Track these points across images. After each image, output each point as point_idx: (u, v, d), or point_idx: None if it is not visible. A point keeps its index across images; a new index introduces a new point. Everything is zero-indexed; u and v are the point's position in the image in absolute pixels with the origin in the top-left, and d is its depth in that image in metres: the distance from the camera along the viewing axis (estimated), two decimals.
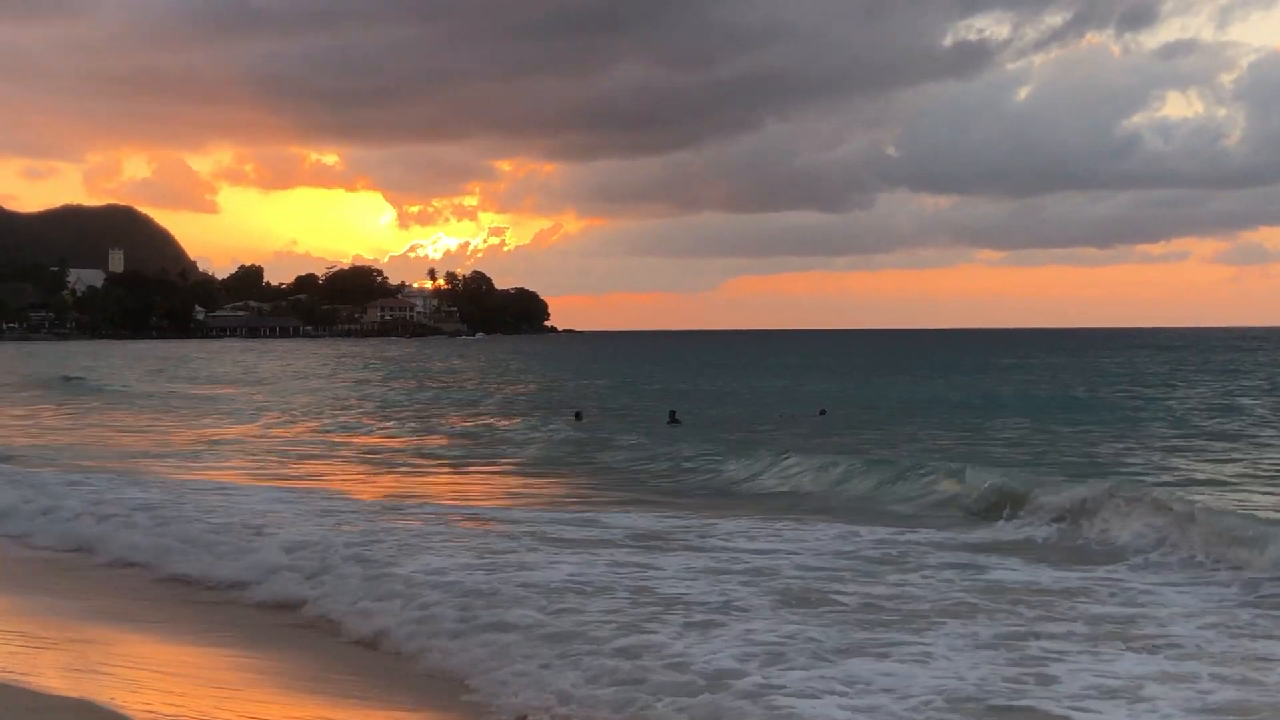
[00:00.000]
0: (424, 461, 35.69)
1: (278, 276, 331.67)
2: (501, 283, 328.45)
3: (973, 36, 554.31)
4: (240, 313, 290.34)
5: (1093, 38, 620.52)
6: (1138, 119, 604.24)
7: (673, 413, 47.08)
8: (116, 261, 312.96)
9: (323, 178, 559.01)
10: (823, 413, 50.52)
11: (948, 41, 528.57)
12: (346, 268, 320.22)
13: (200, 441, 41.07)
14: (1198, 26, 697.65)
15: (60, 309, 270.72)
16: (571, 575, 16.52)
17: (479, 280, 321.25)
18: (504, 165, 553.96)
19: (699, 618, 14.02)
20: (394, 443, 41.76)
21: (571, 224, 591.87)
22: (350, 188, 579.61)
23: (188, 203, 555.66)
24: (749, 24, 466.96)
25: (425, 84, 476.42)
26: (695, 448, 35.50)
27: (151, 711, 10.48)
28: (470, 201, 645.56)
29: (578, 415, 48.02)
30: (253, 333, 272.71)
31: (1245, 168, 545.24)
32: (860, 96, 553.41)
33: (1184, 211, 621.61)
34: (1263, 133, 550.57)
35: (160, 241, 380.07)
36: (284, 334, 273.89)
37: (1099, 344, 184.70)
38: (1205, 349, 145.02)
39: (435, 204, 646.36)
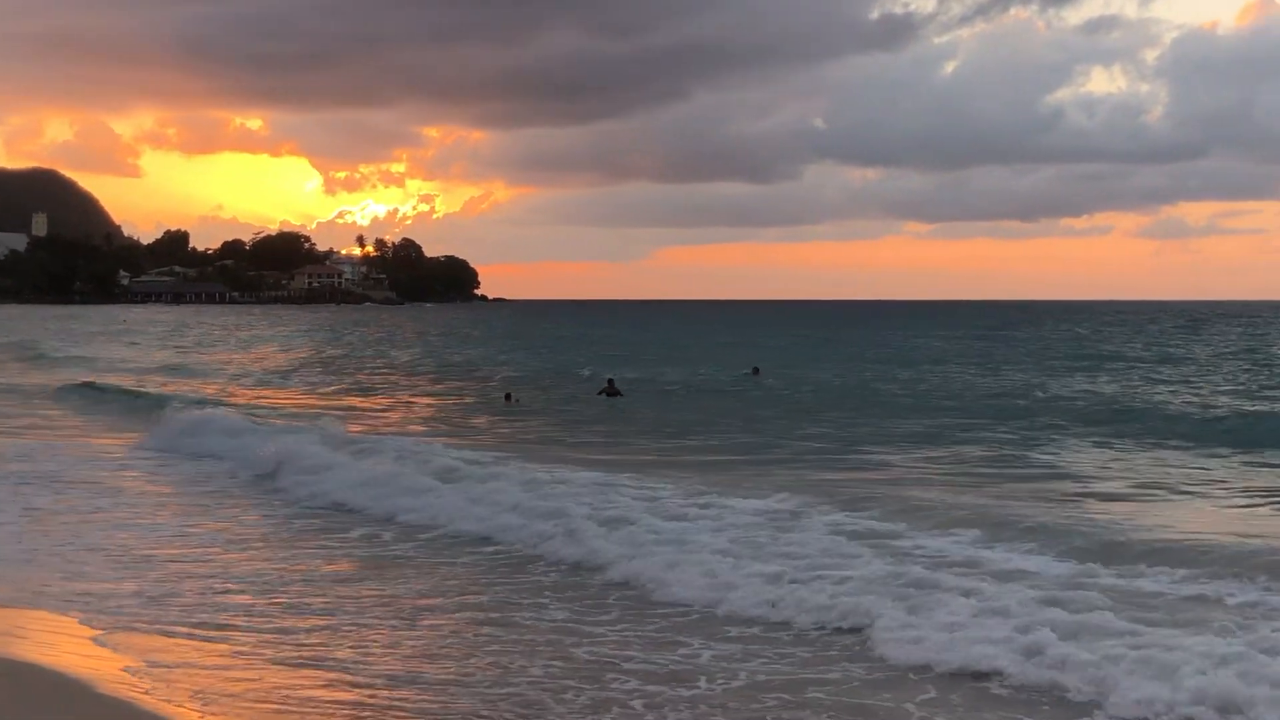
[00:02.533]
0: None
1: (203, 242, 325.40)
2: (431, 250, 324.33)
3: (899, 10, 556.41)
4: (166, 278, 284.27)
5: (1018, 12, 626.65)
6: (1062, 94, 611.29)
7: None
8: (39, 225, 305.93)
9: (247, 142, 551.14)
10: (756, 371, 52.33)
11: (874, 15, 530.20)
12: (273, 233, 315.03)
13: None
14: (1121, 3, 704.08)
15: None
16: None
17: (408, 248, 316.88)
18: (432, 132, 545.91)
19: None
20: None
21: (501, 192, 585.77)
22: (275, 153, 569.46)
23: (111, 166, 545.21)
24: None
25: (351, 48, 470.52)
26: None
27: None
28: (398, 168, 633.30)
29: (508, 397, 44.02)
30: (178, 298, 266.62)
31: (1167, 143, 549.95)
32: (788, 68, 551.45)
33: (1107, 186, 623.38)
34: (1185, 109, 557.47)
35: (84, 205, 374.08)
36: (210, 300, 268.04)
37: (1015, 316, 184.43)
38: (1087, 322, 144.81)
39: (362, 170, 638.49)
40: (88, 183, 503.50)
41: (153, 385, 48.30)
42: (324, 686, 10.86)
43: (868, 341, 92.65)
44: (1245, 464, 25.95)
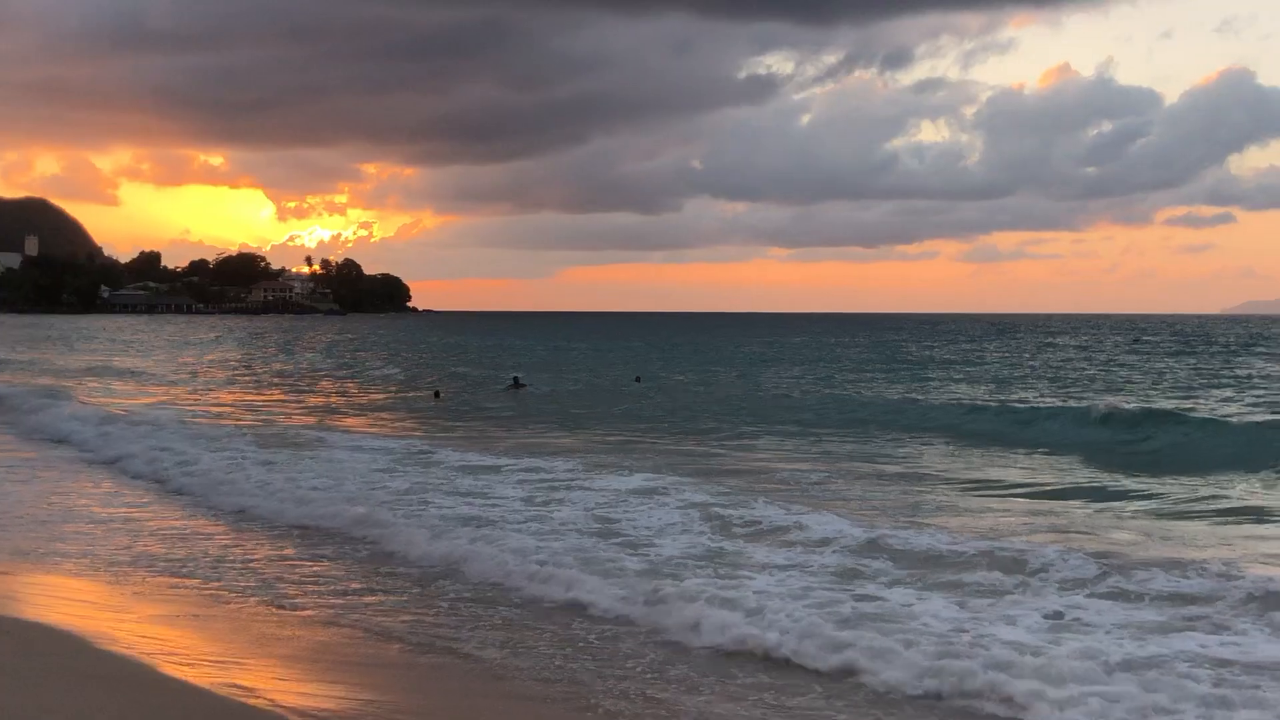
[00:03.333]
0: None
1: (173, 261, 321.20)
2: (370, 269, 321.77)
3: (762, 71, 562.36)
4: (140, 292, 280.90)
5: (860, 74, 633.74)
6: (897, 142, 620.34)
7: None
8: (31, 246, 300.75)
9: (211, 176, 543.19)
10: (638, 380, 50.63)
11: (742, 75, 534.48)
12: (233, 254, 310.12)
13: None
14: (945, 67, 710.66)
15: None
16: None
17: (350, 266, 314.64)
18: (370, 168, 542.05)
19: None
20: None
21: (429, 220, 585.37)
22: (235, 185, 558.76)
23: (93, 196, 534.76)
24: (578, 54, 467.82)
25: (300, 97, 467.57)
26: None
27: None
28: (341, 199, 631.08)
29: (436, 394, 45.46)
30: (151, 309, 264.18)
31: (982, 183, 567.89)
32: (671, 118, 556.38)
33: (933, 218, 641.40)
34: (996, 155, 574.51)
35: (70, 229, 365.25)
36: (179, 310, 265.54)
37: (851, 327, 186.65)
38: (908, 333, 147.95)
39: (310, 200, 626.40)
40: (73, 210, 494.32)
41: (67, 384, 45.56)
42: None
43: (723, 350, 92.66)
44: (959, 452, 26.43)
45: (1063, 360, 70.98)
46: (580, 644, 10.57)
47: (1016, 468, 24.19)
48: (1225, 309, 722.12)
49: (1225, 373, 56.04)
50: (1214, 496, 19.74)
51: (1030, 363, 68.69)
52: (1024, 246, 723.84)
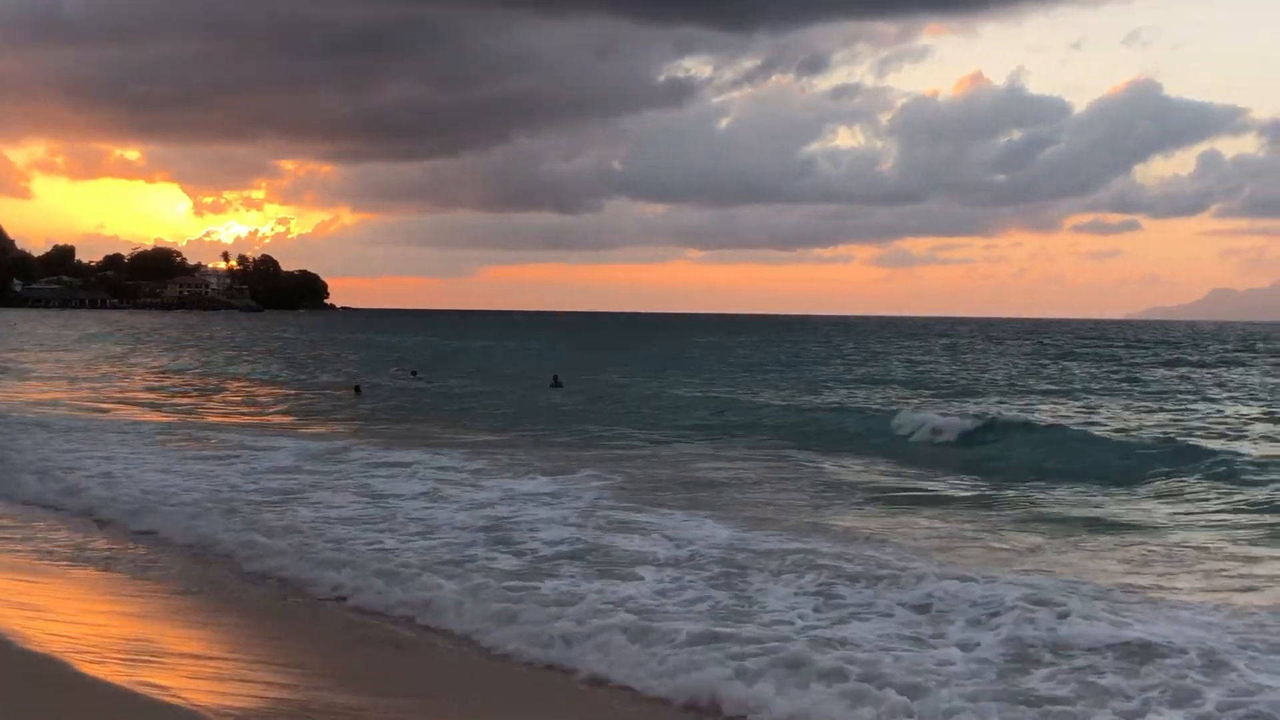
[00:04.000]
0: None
1: (88, 256, 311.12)
2: (287, 265, 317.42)
3: (682, 74, 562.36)
4: (54, 286, 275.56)
5: (778, 79, 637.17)
6: (813, 147, 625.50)
7: (414, 372, 46.58)
8: None
9: (126, 170, 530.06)
10: (556, 381, 49.16)
11: (662, 78, 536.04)
12: (149, 249, 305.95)
13: None
14: (861, 74, 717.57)
15: None
16: None
17: (267, 262, 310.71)
18: (287, 164, 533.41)
19: None
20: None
21: (347, 217, 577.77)
22: (150, 180, 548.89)
23: (5, 189, 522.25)
24: (500, 54, 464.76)
25: (217, 92, 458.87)
26: None
27: None
28: (258, 195, 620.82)
29: (356, 389, 45.58)
30: (65, 303, 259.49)
31: (896, 189, 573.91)
32: (591, 119, 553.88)
33: (848, 222, 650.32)
34: (910, 161, 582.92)
35: None
36: (93, 305, 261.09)
37: (762, 328, 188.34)
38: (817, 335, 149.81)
39: (226, 196, 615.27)
40: None
41: None
42: None
43: (630, 352, 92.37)
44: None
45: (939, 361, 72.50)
46: None
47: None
48: (1130, 314, 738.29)
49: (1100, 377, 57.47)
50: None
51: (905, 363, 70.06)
52: (936, 251, 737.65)
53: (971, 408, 37.24)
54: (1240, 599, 12.31)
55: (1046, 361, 75.44)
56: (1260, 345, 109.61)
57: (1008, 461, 25.20)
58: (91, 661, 9.02)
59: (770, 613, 11.27)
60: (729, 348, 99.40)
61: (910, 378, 57.56)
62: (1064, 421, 33.09)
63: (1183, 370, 64.29)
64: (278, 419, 34.73)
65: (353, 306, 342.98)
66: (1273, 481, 21.07)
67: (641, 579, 12.74)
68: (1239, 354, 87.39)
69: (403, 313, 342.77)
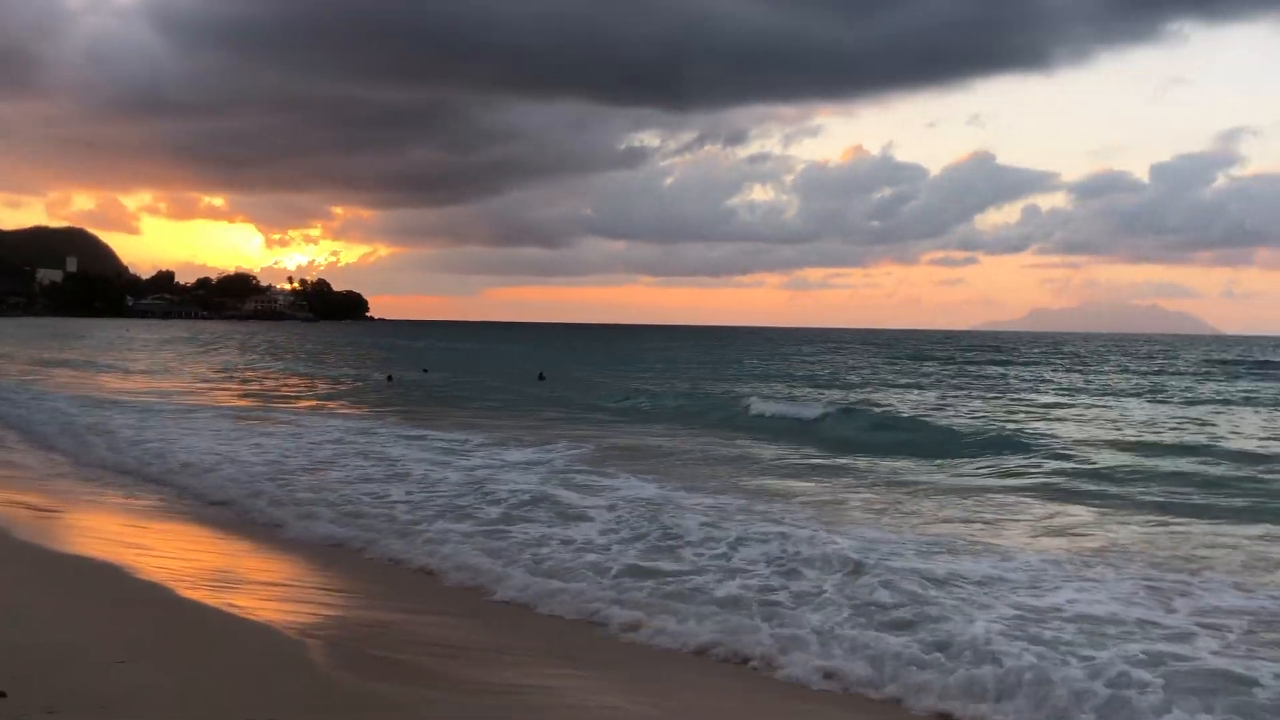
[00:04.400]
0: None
1: (184, 278, 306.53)
2: (337, 286, 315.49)
3: (637, 144, 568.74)
4: (158, 302, 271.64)
5: (710, 149, 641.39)
6: (736, 199, 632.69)
7: (425, 369, 46.15)
8: (71, 264, 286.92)
9: (213, 214, 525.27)
10: (541, 377, 47.88)
11: (622, 146, 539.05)
12: (231, 273, 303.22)
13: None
14: (771, 145, 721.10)
15: (30, 297, 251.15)
16: None
17: (322, 284, 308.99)
18: (337, 210, 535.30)
19: None
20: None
21: (384, 250, 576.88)
22: (231, 220, 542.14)
23: (121, 227, 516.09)
24: (498, 128, 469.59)
25: (283, 154, 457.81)
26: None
27: None
28: (315, 233, 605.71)
29: (389, 378, 45.18)
30: (166, 315, 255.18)
31: (796, 231, 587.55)
32: (568, 177, 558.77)
33: (761, 257, 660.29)
34: (808, 211, 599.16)
35: (102, 252, 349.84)
36: (188, 316, 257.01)
37: (697, 337, 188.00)
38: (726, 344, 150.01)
39: (290, 233, 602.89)
40: (105, 238, 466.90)
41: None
42: None
43: (601, 354, 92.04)
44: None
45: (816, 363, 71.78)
46: None
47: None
48: (970, 327, 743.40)
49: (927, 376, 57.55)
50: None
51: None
52: (828, 279, 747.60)
53: (835, 396, 37.31)
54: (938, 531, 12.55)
55: (903, 361, 75.30)
56: (1068, 349, 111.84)
57: (850, 438, 24.04)
58: (189, 588, 9.09)
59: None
60: (674, 352, 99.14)
61: (784, 373, 56.34)
62: (899, 407, 32.52)
63: (1011, 369, 64.30)
64: (329, 403, 34.45)
65: (387, 318, 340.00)
66: (1048, 458, 20.19)
67: (592, 520, 12.77)
68: (1051, 357, 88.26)
69: (425, 323, 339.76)
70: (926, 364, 71.38)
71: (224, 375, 49.10)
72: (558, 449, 20.83)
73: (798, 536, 11.43)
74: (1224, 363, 77.08)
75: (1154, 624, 8.51)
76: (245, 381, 44.59)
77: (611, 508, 13.46)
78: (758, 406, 30.73)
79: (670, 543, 11.34)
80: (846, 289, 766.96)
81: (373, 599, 9.39)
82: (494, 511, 13.28)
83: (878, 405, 32.93)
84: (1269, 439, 24.78)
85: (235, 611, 8.30)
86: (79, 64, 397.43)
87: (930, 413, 30.38)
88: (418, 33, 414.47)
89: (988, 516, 14.19)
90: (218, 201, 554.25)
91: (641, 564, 10.53)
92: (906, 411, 30.40)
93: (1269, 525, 13.57)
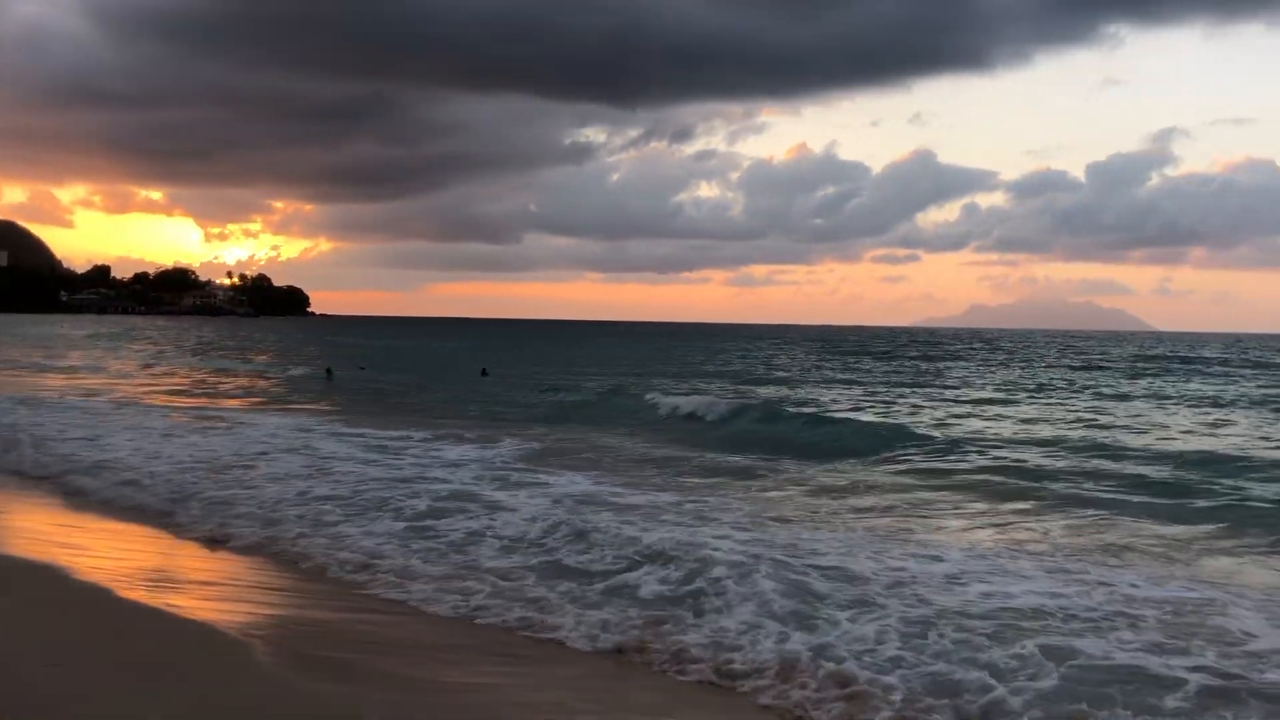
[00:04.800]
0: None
1: (120, 273, 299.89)
2: (278, 281, 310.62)
3: (583, 140, 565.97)
4: (93, 297, 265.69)
5: (656, 145, 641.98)
6: (682, 196, 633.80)
7: (361, 367, 45.50)
8: (2, 259, 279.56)
9: (151, 208, 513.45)
10: (484, 373, 47.57)
11: (567, 141, 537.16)
12: (169, 268, 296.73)
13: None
14: (717, 142, 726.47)
15: None
16: None
17: (262, 279, 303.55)
18: (278, 204, 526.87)
19: None
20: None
21: (325, 245, 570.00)
22: (170, 214, 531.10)
23: (54, 221, 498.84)
24: (440, 122, 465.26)
25: (222, 148, 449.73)
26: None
27: None
28: (255, 227, 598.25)
29: (329, 372, 44.45)
30: (102, 310, 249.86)
31: (742, 228, 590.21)
32: (513, 172, 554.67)
33: (707, 253, 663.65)
34: (752, 208, 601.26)
35: (35, 247, 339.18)
36: (125, 312, 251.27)
37: (649, 335, 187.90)
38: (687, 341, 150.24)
39: (230, 228, 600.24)
40: (38, 231, 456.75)
41: None
42: None
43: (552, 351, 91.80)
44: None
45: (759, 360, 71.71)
46: None
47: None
48: (912, 323, 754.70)
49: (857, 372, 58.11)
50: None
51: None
52: (772, 275, 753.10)
53: (769, 393, 37.56)
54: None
55: (841, 357, 74.86)
56: (1006, 344, 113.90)
57: (755, 434, 23.58)
58: (126, 588, 9.04)
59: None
60: (619, 349, 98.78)
61: (724, 371, 55.55)
62: (825, 404, 32.46)
63: (942, 364, 64.69)
64: (265, 402, 33.93)
65: (328, 314, 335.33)
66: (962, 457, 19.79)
67: (515, 510, 13.06)
68: (984, 353, 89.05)
69: (368, 318, 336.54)
70: (863, 360, 71.83)
71: (158, 372, 48.19)
72: (467, 448, 20.69)
73: (706, 538, 11.50)
74: (1153, 359, 79.16)
75: (1071, 615, 8.75)
76: (180, 378, 43.88)
77: (530, 508, 13.53)
78: (666, 404, 29.95)
79: (586, 543, 11.37)
80: (791, 286, 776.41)
81: (309, 598, 9.42)
82: (421, 506, 13.40)
83: (802, 403, 32.52)
84: (1188, 433, 25.62)
85: (175, 612, 8.30)
86: (10, 52, 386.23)
87: (850, 412, 29.74)
88: (356, 25, 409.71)
89: (896, 513, 14.33)
90: (155, 195, 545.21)
91: (565, 562, 10.64)
92: (834, 410, 29.89)
93: (1185, 524, 13.82)
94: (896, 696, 6.91)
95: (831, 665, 7.41)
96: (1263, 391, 41.59)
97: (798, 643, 7.93)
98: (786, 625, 8.36)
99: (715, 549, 10.67)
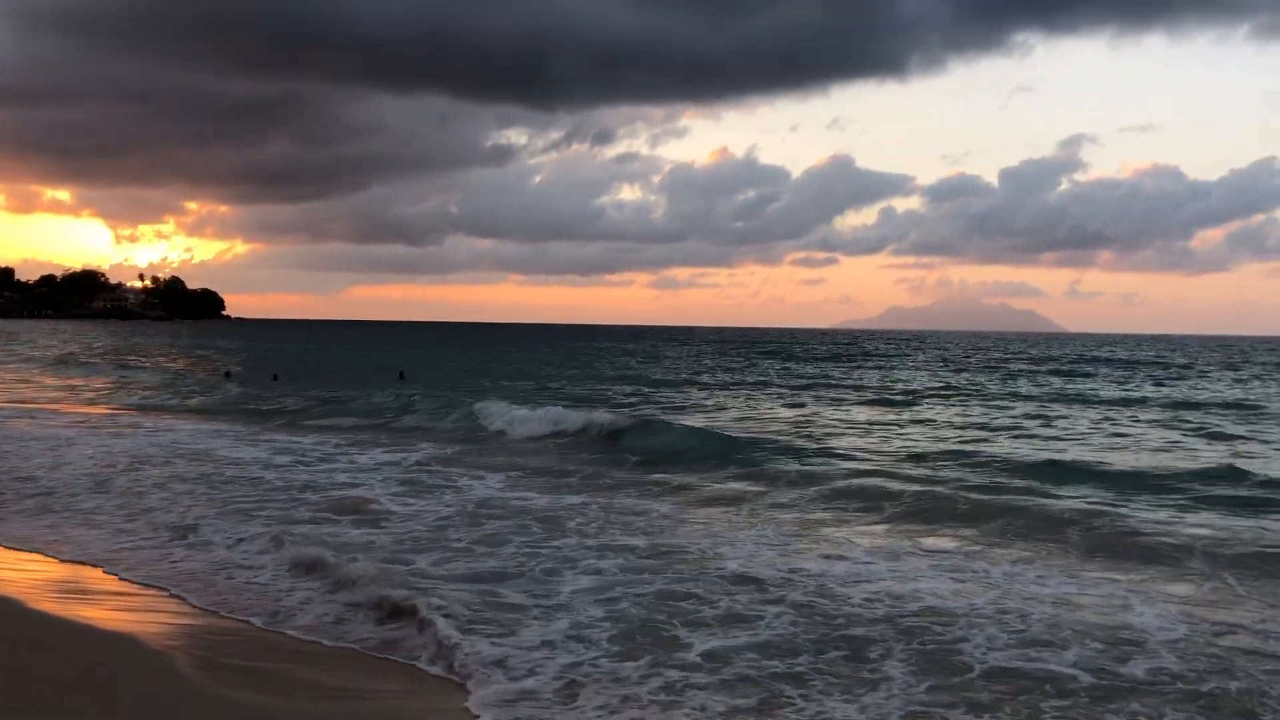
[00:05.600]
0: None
1: (26, 276, 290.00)
2: (192, 284, 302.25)
3: (504, 141, 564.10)
4: None
5: (577, 148, 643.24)
6: (604, 199, 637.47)
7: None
8: None
9: (58, 208, 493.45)
10: (401, 376, 46.96)
11: (488, 143, 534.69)
12: (78, 270, 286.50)
13: None
14: (639, 145, 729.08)
15: None
16: None
17: (175, 282, 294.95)
18: (191, 204, 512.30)
19: None
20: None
21: (240, 247, 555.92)
22: (78, 215, 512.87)
23: None
24: (358, 122, 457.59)
25: (135, 146, 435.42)
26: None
27: None
28: (168, 229, 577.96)
29: (227, 374, 43.30)
30: (5, 314, 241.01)
31: (664, 231, 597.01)
32: (433, 173, 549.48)
33: (630, 256, 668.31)
34: (674, 211, 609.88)
35: None
36: (30, 315, 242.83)
37: (571, 337, 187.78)
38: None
39: (141, 229, 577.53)
40: None
41: None
42: None
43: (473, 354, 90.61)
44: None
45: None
46: None
47: None
48: (830, 325, 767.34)
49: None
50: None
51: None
52: (694, 278, 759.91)
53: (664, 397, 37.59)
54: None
55: (740, 361, 72.74)
56: (926, 343, 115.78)
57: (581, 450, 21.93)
58: (35, 600, 9.02)
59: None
60: (540, 351, 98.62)
61: (618, 375, 54.02)
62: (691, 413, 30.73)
63: (835, 367, 63.40)
64: (168, 412, 33.19)
65: (245, 317, 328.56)
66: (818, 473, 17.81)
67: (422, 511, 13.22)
68: (904, 352, 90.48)
69: (285, 321, 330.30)
70: (762, 359, 71.00)
71: (61, 379, 46.24)
72: (416, 451, 20.83)
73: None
74: (1053, 359, 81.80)
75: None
76: (84, 386, 42.33)
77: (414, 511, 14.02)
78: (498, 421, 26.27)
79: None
80: (713, 288, 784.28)
81: (220, 608, 9.45)
82: (308, 513, 13.75)
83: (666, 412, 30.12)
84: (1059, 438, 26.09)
85: (90, 623, 8.31)
86: None
87: (725, 421, 28.15)
88: (268, 23, 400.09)
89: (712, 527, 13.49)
90: (62, 195, 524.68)
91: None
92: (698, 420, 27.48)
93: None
94: None
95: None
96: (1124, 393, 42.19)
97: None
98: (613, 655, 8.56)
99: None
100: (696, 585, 9.99)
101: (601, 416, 25.02)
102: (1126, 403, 37.08)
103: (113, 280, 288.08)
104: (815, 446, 21.55)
